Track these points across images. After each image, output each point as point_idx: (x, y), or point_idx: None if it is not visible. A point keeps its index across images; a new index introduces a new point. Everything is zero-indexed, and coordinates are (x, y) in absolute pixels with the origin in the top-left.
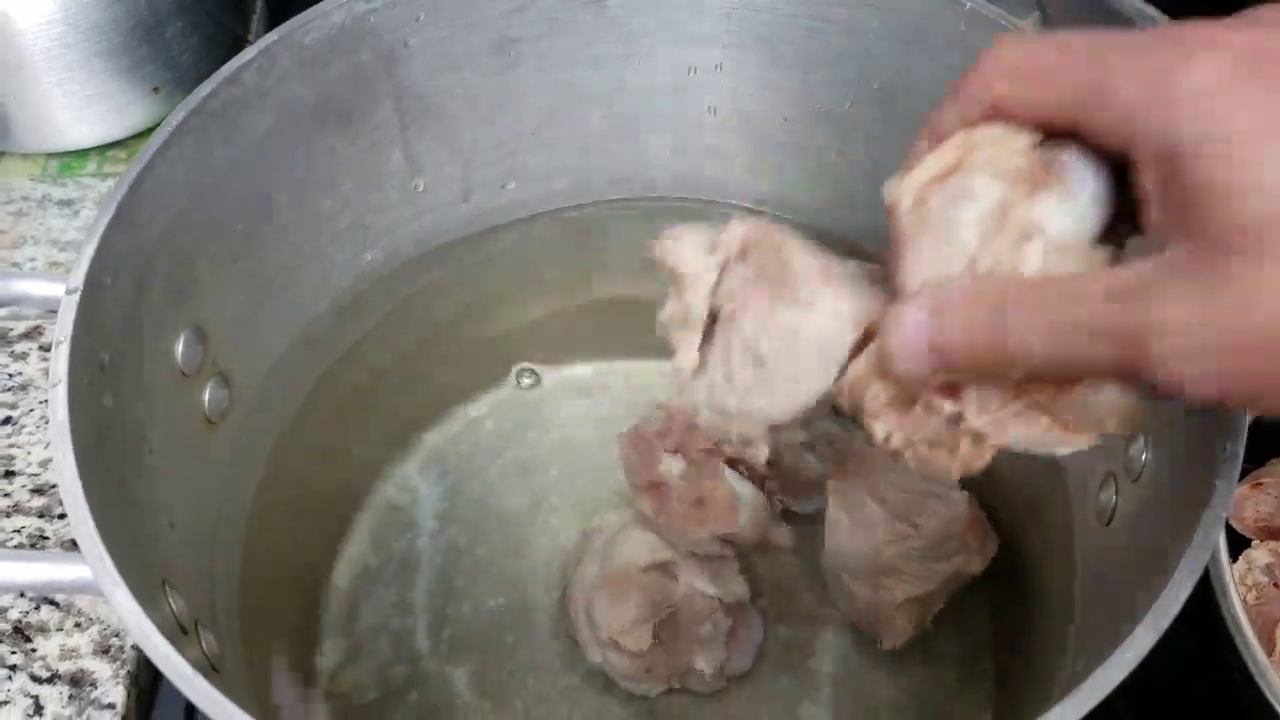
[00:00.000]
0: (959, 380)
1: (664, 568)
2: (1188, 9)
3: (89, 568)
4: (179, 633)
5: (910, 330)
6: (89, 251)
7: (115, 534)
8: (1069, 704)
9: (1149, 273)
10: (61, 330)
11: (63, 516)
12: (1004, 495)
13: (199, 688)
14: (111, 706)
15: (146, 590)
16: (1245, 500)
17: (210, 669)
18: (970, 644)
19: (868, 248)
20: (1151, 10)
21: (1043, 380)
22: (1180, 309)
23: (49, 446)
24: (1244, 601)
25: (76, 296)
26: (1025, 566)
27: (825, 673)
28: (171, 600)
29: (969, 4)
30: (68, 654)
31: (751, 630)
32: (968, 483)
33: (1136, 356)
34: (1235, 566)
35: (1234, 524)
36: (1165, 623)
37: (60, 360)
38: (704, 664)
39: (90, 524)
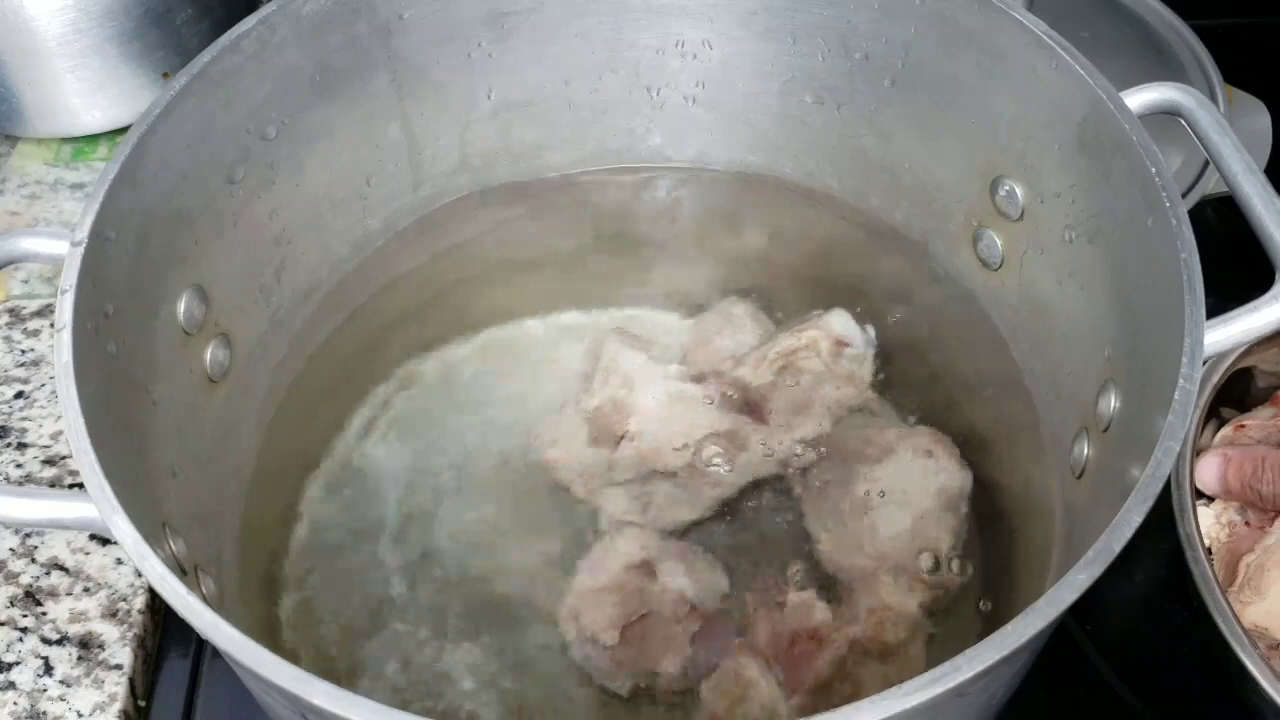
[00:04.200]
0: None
1: (646, 566)
2: None
3: (93, 504)
4: (179, 574)
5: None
6: (94, 205)
7: (118, 473)
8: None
9: None
10: (67, 280)
11: (73, 487)
12: (984, 455)
13: (195, 610)
14: (119, 667)
15: (147, 529)
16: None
17: None
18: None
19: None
20: None
21: None
22: None
23: (60, 419)
24: (1216, 539)
25: (81, 249)
26: (1008, 523)
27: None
28: (172, 542)
29: None
30: (77, 617)
31: (720, 632)
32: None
33: None
34: (1213, 505)
35: None
36: (1118, 546)
37: (65, 307)
38: (669, 664)
39: (93, 456)
